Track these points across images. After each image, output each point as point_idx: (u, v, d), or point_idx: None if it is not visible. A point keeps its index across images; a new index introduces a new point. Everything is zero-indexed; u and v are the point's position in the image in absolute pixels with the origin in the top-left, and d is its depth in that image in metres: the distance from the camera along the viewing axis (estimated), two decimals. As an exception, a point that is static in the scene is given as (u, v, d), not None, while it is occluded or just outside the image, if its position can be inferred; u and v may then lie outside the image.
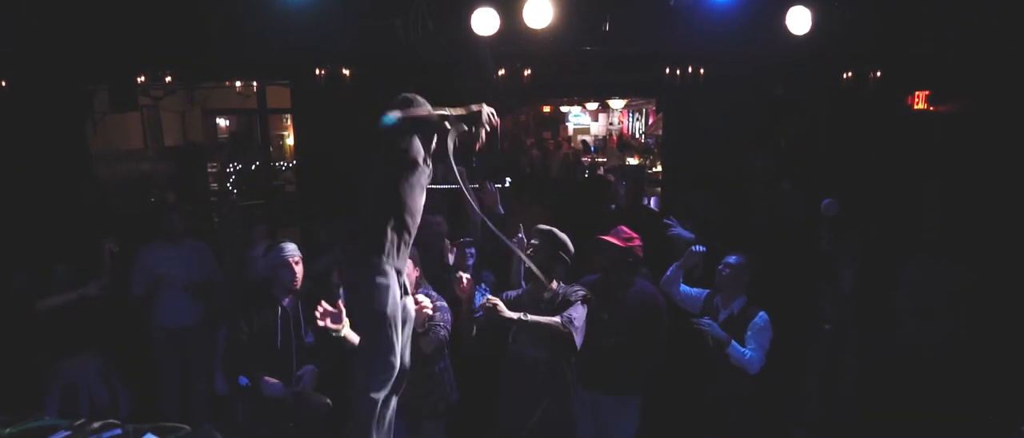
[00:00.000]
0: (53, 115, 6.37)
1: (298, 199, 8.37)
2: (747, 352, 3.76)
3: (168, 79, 6.95)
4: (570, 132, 17.54)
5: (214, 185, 9.97)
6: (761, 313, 3.86)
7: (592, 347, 3.62)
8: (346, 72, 6.12)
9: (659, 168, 11.88)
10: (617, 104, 15.01)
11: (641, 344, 3.80)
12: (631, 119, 17.04)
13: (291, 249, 3.60)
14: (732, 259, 3.99)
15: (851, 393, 5.13)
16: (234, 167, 10.45)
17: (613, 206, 8.58)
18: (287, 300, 3.56)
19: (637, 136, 16.11)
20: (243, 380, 3.34)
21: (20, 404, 4.15)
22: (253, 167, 10.35)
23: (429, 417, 3.62)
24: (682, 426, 4.38)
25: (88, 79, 6.86)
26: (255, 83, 8.48)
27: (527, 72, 6.01)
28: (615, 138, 15.82)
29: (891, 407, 4.84)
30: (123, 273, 4.89)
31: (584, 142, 16.07)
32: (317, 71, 6.09)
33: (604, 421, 3.89)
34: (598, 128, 17.96)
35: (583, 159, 13.58)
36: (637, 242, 3.83)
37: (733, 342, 3.77)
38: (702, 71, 5.94)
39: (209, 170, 9.92)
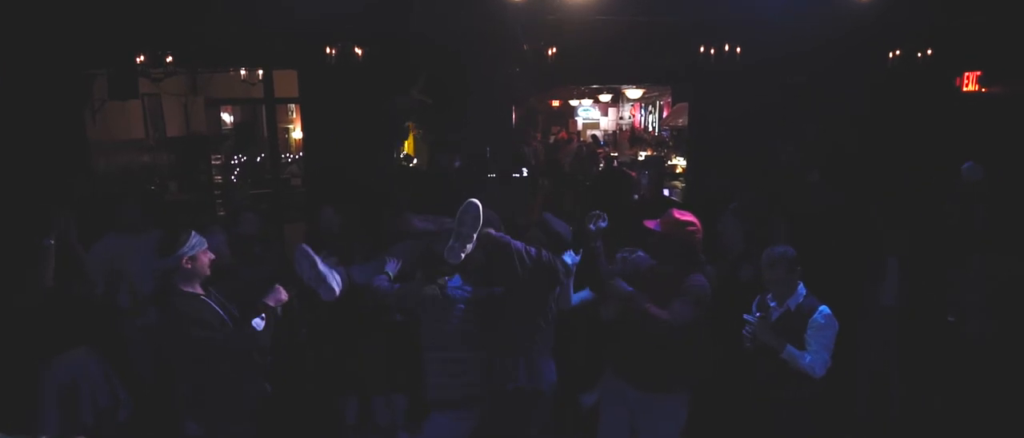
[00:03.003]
0: (50, 102, 6.12)
1: (306, 192, 8.11)
2: (806, 356, 3.30)
3: (169, 59, 6.62)
4: (579, 126, 17.24)
5: (218, 177, 9.68)
6: (821, 307, 3.38)
7: (627, 337, 3.42)
8: (358, 51, 5.78)
9: (675, 161, 11.71)
10: (634, 93, 14.65)
11: (679, 340, 3.43)
12: (643, 112, 16.71)
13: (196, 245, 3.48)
14: (773, 253, 3.49)
15: (896, 392, 4.81)
16: (239, 159, 10.18)
17: (636, 196, 8.41)
18: (202, 290, 3.46)
19: (651, 129, 15.79)
20: (257, 323, 3.33)
21: (16, 408, 3.84)
22: (259, 158, 10.07)
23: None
24: (730, 430, 4.01)
25: (86, 64, 6.58)
26: (260, 71, 8.18)
27: (552, 51, 5.65)
28: (627, 132, 15.51)
29: (948, 408, 4.51)
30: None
31: (594, 136, 15.79)
32: (328, 50, 5.75)
33: (639, 419, 3.51)
34: (607, 122, 17.67)
35: (598, 151, 13.27)
36: (694, 227, 3.44)
37: (788, 346, 3.32)
38: (739, 49, 5.59)
39: (213, 162, 9.62)
